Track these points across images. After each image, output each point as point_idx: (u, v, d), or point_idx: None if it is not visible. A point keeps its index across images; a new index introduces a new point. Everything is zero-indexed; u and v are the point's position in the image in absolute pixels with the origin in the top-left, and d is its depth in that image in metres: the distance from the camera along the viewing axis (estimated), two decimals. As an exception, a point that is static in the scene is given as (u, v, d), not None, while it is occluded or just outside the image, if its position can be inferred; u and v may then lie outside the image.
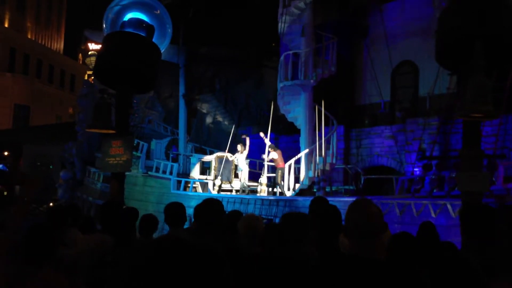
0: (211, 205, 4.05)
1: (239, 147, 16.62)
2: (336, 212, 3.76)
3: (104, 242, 3.91)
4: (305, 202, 11.11)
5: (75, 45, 61.84)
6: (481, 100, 4.80)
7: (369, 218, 2.46)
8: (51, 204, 23.68)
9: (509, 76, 11.69)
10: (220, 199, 13.68)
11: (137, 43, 6.98)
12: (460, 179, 5.51)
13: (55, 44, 60.99)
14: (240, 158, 16.39)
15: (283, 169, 14.83)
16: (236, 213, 4.79)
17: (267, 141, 15.34)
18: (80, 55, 61.44)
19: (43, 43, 57.43)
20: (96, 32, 20.28)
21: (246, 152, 16.50)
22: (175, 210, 4.82)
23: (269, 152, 15.28)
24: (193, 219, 5.77)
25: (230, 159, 16.86)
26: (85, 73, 55.07)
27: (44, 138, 34.12)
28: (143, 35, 7.32)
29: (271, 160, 15.33)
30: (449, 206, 9.22)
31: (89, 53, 29.76)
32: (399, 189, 12.06)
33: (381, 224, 2.58)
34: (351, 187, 15.81)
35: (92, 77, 25.36)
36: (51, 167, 34.17)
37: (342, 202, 11.01)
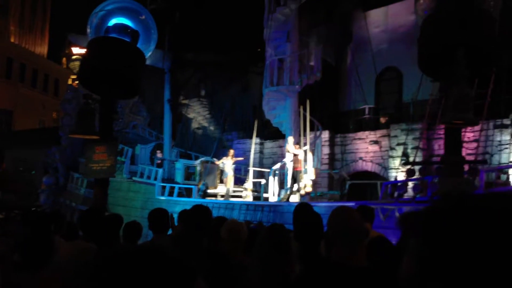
0: (199, 212, 4.06)
1: (231, 152, 16.50)
2: (319, 219, 3.78)
3: (87, 249, 3.87)
4: (290, 207, 11.12)
5: (59, 50, 61.31)
6: (462, 108, 4.88)
7: (352, 224, 2.48)
8: (33, 209, 23.37)
9: (490, 83, 11.88)
10: (205, 205, 13.50)
11: (121, 48, 6.94)
12: (442, 185, 5.57)
13: (39, 48, 60.32)
14: (227, 163, 16.33)
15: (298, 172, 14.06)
16: (221, 219, 4.78)
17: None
18: (64, 59, 60.88)
19: (26, 47, 56.75)
20: (80, 36, 20.13)
21: (233, 159, 16.34)
22: (159, 216, 4.79)
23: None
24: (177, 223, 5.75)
25: (217, 162, 16.77)
26: (69, 77, 54.62)
27: (27, 143, 33.71)
28: (127, 40, 7.29)
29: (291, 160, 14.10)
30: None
31: (73, 57, 29.61)
32: (383, 194, 12.14)
33: (364, 230, 2.60)
34: (336, 192, 15.87)
35: (76, 82, 25.18)
36: (33, 172, 33.76)
37: (327, 208, 11.06)
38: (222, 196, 16.38)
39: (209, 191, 17.03)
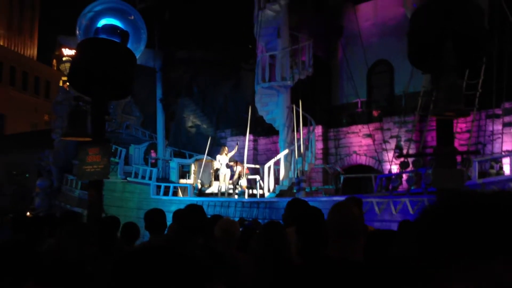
0: (194, 211, 4.08)
1: (225, 149, 16.78)
2: (318, 214, 3.80)
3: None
4: (285, 203, 11.16)
5: (49, 51, 60.96)
6: (453, 99, 4.92)
7: (352, 219, 2.49)
8: (27, 213, 23.29)
9: (481, 73, 11.95)
10: (201, 203, 13.52)
11: (111, 49, 6.91)
12: (435, 176, 5.61)
13: (29, 50, 59.97)
14: (223, 161, 16.39)
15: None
16: (216, 218, 4.80)
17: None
18: (55, 61, 60.53)
19: (16, 50, 56.41)
20: (70, 37, 20.05)
21: (230, 154, 16.64)
22: (155, 216, 4.81)
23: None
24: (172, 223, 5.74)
25: (215, 166, 16.95)
26: (60, 79, 54.34)
27: (20, 147, 33.55)
28: (117, 41, 7.26)
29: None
30: (426, 203, 9.37)
31: (64, 59, 29.39)
32: (377, 187, 12.19)
33: (362, 226, 2.62)
34: (331, 187, 15.92)
35: (68, 84, 25.05)
36: (27, 175, 33.60)
37: (322, 202, 11.10)
38: (223, 193, 16.42)
39: (204, 189, 17.05)
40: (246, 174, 15.85)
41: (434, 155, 5.63)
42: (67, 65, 27.52)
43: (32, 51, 61.06)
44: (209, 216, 4.99)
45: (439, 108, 5.04)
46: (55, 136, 23.32)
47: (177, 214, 5.24)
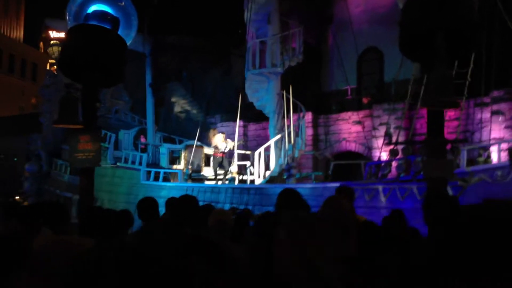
0: (187, 201, 4.14)
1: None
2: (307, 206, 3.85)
3: (70, 245, 3.81)
4: (275, 189, 11.22)
5: (35, 34, 60.05)
6: (443, 91, 4.99)
7: (343, 212, 2.53)
8: (16, 197, 23.22)
9: (470, 63, 12.04)
10: (191, 188, 13.50)
11: (102, 36, 6.86)
12: (425, 166, 5.70)
13: (15, 32, 58.98)
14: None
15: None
16: (209, 208, 4.84)
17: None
18: (41, 43, 59.66)
19: (2, 32, 55.45)
20: (57, 20, 19.76)
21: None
22: (148, 206, 4.86)
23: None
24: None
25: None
26: (47, 62, 53.59)
27: (7, 130, 33.25)
28: (108, 27, 7.19)
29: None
30: (415, 190, 9.51)
31: (51, 42, 29.00)
32: (367, 174, 12.30)
33: (354, 220, 2.66)
34: (320, 173, 16.04)
35: (55, 67, 24.76)
36: (15, 159, 33.37)
37: (312, 189, 11.21)
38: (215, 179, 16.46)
39: (195, 175, 17.07)
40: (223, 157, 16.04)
41: (425, 146, 5.72)
42: (55, 48, 27.16)
43: (19, 33, 60.07)
44: (201, 204, 5.03)
45: (429, 100, 5.12)
46: (43, 120, 23.13)
47: (170, 202, 5.28)
